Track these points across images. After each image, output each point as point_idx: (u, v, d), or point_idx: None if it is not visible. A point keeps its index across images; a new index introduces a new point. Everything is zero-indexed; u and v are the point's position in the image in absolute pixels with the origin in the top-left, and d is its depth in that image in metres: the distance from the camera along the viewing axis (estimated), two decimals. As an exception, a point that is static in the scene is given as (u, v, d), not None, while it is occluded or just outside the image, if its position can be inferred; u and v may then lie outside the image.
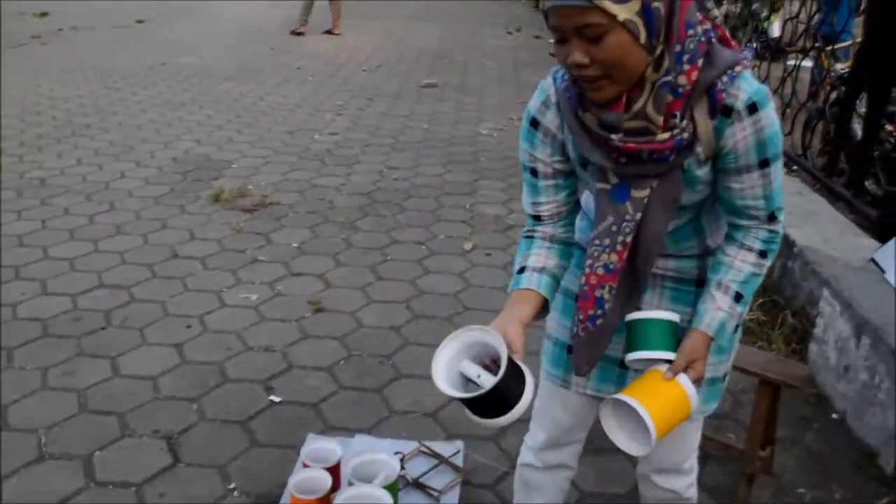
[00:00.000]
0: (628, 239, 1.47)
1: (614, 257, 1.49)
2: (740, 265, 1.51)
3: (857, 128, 4.57)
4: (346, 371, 3.06)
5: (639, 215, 1.45)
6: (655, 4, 1.28)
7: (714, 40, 1.37)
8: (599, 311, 1.54)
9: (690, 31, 1.32)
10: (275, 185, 5.11)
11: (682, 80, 1.33)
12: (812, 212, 3.74)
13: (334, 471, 2.31)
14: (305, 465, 2.31)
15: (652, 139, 1.36)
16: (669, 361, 1.47)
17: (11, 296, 3.55)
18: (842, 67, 5.09)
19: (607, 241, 1.49)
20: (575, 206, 1.65)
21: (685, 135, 1.37)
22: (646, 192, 1.44)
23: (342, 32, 11.52)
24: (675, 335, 1.50)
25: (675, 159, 1.40)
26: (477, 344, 1.41)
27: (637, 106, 1.35)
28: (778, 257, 3.53)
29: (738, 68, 1.36)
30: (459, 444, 2.62)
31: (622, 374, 1.71)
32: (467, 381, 1.41)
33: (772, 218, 1.49)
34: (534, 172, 1.60)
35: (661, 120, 1.35)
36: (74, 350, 3.14)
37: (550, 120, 1.54)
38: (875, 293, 2.89)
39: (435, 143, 6.22)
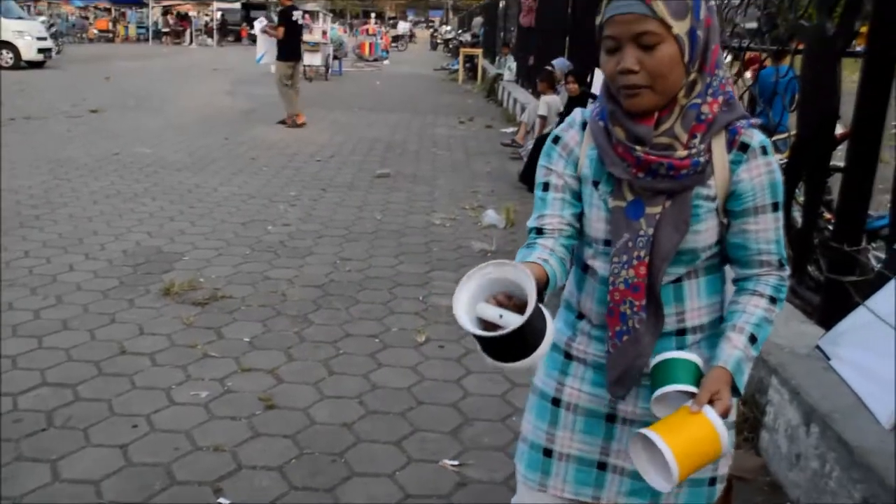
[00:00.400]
0: (643, 254, 1.53)
1: (632, 273, 1.55)
2: (752, 309, 1.57)
3: (797, 216, 4.72)
4: (297, 470, 2.99)
5: (651, 230, 1.52)
6: (699, 32, 1.45)
7: (729, 90, 1.53)
8: (625, 328, 1.58)
9: (718, 70, 1.50)
10: (227, 277, 5.08)
11: (706, 109, 1.49)
12: (758, 299, 3.81)
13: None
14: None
15: (672, 154, 1.48)
16: (694, 395, 1.47)
17: (-51, 397, 3.43)
18: (780, 158, 5.28)
19: (625, 258, 1.55)
20: (575, 234, 1.65)
21: (702, 158, 1.49)
22: (658, 209, 1.52)
23: (305, 120, 11.72)
24: (699, 376, 1.51)
25: (688, 181, 1.50)
26: (491, 284, 1.35)
27: (666, 125, 1.49)
28: (727, 345, 3.59)
29: (754, 121, 1.53)
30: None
31: (600, 475, 1.70)
32: (485, 325, 1.33)
33: (781, 264, 1.59)
34: (546, 187, 1.66)
35: (685, 137, 1.48)
36: (13, 454, 3.02)
37: (571, 136, 1.66)
38: (822, 381, 2.93)
39: (388, 233, 6.26)
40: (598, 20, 1.50)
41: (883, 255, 4.26)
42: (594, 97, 4.81)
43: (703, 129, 1.49)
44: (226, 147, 9.85)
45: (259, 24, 13.86)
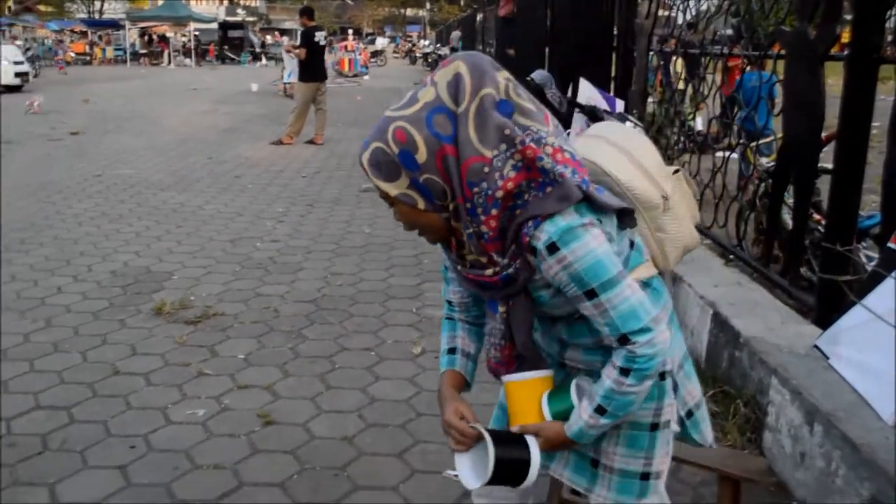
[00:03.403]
0: (505, 341, 1.68)
1: (503, 352, 1.70)
2: (604, 379, 1.57)
3: (788, 217, 4.75)
4: (299, 486, 2.96)
5: (503, 325, 1.66)
6: (425, 177, 1.43)
7: (540, 182, 1.44)
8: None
9: (476, 189, 1.43)
10: (218, 295, 5.04)
11: (484, 228, 1.47)
12: (754, 301, 3.83)
13: None
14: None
15: (483, 273, 1.54)
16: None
17: (-60, 423, 3.37)
18: (766, 161, 5.33)
19: (494, 340, 1.70)
20: (480, 301, 1.78)
21: (510, 270, 1.51)
22: (504, 309, 1.64)
23: (294, 142, 11.66)
24: (567, 409, 1.66)
25: (507, 290, 1.57)
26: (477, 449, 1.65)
27: (465, 248, 1.54)
28: (725, 347, 3.60)
29: (545, 212, 1.43)
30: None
31: (594, 473, 1.76)
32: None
33: (623, 340, 1.50)
34: (446, 268, 1.78)
35: (485, 259, 1.52)
36: (9, 479, 2.96)
37: None
38: (822, 379, 2.94)
39: (377, 247, 6.24)
40: None
41: (872, 254, 4.31)
42: (580, 107, 4.82)
43: (496, 246, 1.49)
44: (209, 166, 9.81)
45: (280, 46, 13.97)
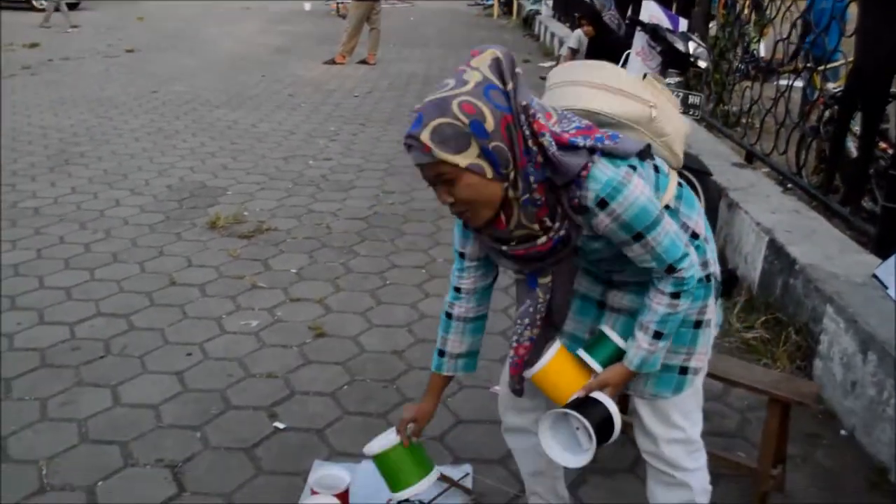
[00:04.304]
0: (542, 314, 1.79)
1: (536, 330, 1.81)
2: (656, 307, 1.69)
3: (852, 146, 4.60)
4: (349, 396, 3.03)
5: (548, 296, 1.76)
6: (493, 145, 1.51)
7: (553, 152, 1.54)
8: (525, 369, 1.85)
9: (527, 157, 1.55)
10: (271, 211, 5.10)
11: (537, 195, 1.57)
12: (811, 229, 3.75)
13: (343, 497, 2.29)
14: (314, 493, 2.28)
15: (535, 244, 1.64)
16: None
17: (8, 326, 3.51)
18: (833, 87, 5.13)
19: (528, 320, 1.80)
20: (490, 284, 1.93)
21: (562, 233, 1.63)
22: (548, 279, 1.75)
23: (347, 61, 11.56)
24: (617, 360, 1.77)
25: (560, 253, 1.68)
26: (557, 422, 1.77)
27: (514, 221, 1.62)
28: (779, 275, 3.55)
29: (583, 173, 1.55)
30: (467, 467, 2.59)
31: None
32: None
33: (671, 269, 1.65)
34: (461, 255, 1.89)
35: (536, 227, 1.61)
36: (73, 380, 3.10)
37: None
38: (879, 309, 2.88)
39: (429, 167, 6.20)
40: None
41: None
42: (643, 25, 4.65)
43: (547, 211, 1.60)
44: (262, 84, 9.80)
45: None
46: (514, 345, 1.83)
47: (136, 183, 5.64)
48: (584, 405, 1.71)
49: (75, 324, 3.54)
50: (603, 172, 1.55)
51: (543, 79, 8.34)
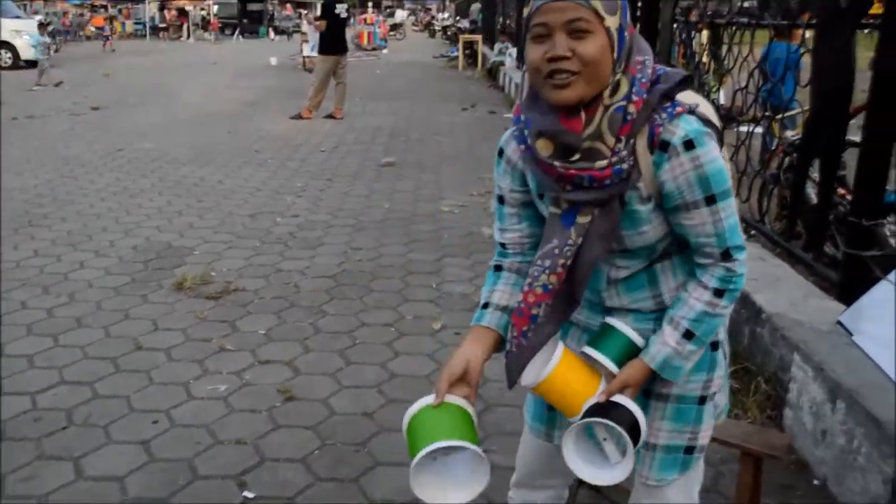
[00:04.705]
0: (568, 262, 1.55)
1: (553, 279, 1.56)
2: (693, 302, 1.54)
3: (812, 192, 4.68)
4: (320, 461, 2.98)
5: (580, 240, 1.53)
6: (626, 33, 1.45)
7: (659, 79, 1.49)
8: (532, 326, 1.60)
9: (639, 67, 1.47)
10: (238, 270, 5.06)
11: (632, 108, 1.45)
12: (775, 276, 3.79)
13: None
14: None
15: (591, 166, 1.46)
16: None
17: (-33, 398, 3.42)
18: (791, 134, 5.24)
19: (548, 263, 1.56)
20: (538, 243, 1.68)
21: (624, 165, 1.46)
22: (588, 219, 1.52)
23: (313, 116, 11.61)
24: (630, 356, 1.59)
25: (614, 189, 1.48)
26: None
27: (592, 126, 1.45)
28: (746, 323, 3.57)
29: (678, 109, 1.46)
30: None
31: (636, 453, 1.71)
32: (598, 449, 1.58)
33: (726, 255, 1.52)
34: (500, 200, 1.72)
35: (612, 140, 1.45)
36: (35, 453, 3.01)
37: (513, 150, 1.64)
38: (845, 356, 2.91)
39: (397, 221, 6.23)
40: (526, 11, 1.48)
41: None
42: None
43: (630, 128, 1.45)
44: (229, 140, 9.82)
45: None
46: (526, 289, 1.59)
47: (101, 244, 5.57)
48: (607, 411, 1.52)
49: (37, 393, 3.46)
50: (693, 121, 1.46)
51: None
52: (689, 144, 1.44)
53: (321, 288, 4.75)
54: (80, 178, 7.65)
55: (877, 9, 3.53)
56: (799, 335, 3.16)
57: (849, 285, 3.45)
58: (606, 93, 1.44)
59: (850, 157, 3.86)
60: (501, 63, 16.88)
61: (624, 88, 1.44)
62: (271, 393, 3.48)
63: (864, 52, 3.69)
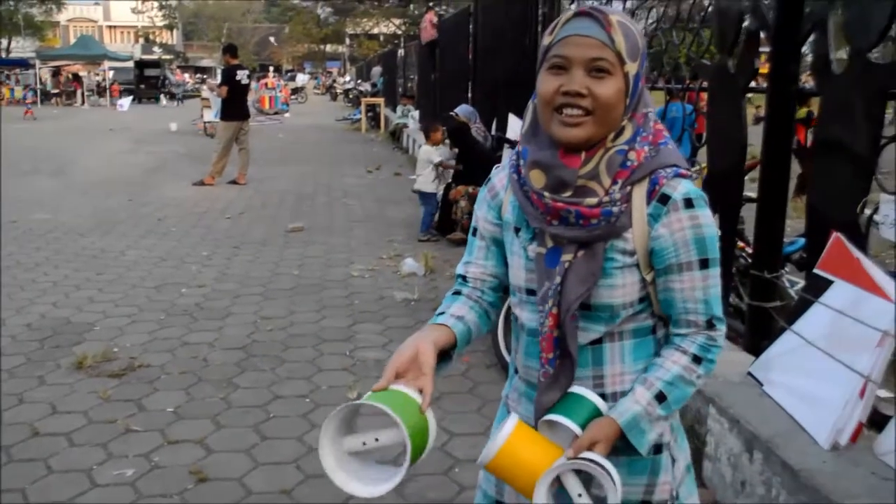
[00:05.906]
0: (553, 304, 1.49)
1: (549, 321, 1.51)
2: (671, 365, 1.50)
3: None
4: (237, 546, 2.84)
5: (559, 279, 1.48)
6: (640, 82, 1.45)
7: (663, 141, 1.48)
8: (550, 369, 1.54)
9: (643, 118, 1.47)
10: (143, 345, 4.86)
11: (633, 156, 1.44)
12: (685, 330, 3.87)
13: None
14: None
15: (581, 202, 1.43)
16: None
17: None
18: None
19: (544, 307, 1.51)
20: (499, 284, 1.69)
21: (615, 209, 1.43)
22: (570, 257, 1.48)
23: (216, 182, 11.44)
24: (591, 411, 1.50)
25: (600, 230, 1.45)
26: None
27: (590, 165, 1.44)
28: (660, 378, 3.62)
29: (682, 171, 1.45)
30: None
31: None
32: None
33: (710, 324, 1.50)
34: (475, 231, 1.69)
35: (609, 182, 1.43)
36: (-80, 557, 2.78)
37: (500, 178, 1.65)
38: (758, 407, 2.98)
39: (307, 288, 6.14)
40: (546, 40, 1.47)
41: (794, 279, 4.42)
42: (509, 142, 4.84)
43: (627, 175, 1.44)
44: (130, 208, 9.54)
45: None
46: (541, 337, 1.53)
47: (-7, 323, 5.28)
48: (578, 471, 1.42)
49: (-78, 490, 3.20)
50: (693, 185, 1.46)
51: (415, 192, 8.39)
52: (689, 203, 1.44)
53: (231, 360, 4.60)
54: (-32, 254, 7.26)
55: (763, 69, 3.73)
56: (713, 388, 3.22)
57: (755, 336, 3.56)
58: (610, 137, 1.44)
59: (747, 212, 4.02)
60: (405, 125, 17.08)
61: (627, 134, 1.45)
62: (182, 475, 3.31)
63: (751, 107, 3.89)
